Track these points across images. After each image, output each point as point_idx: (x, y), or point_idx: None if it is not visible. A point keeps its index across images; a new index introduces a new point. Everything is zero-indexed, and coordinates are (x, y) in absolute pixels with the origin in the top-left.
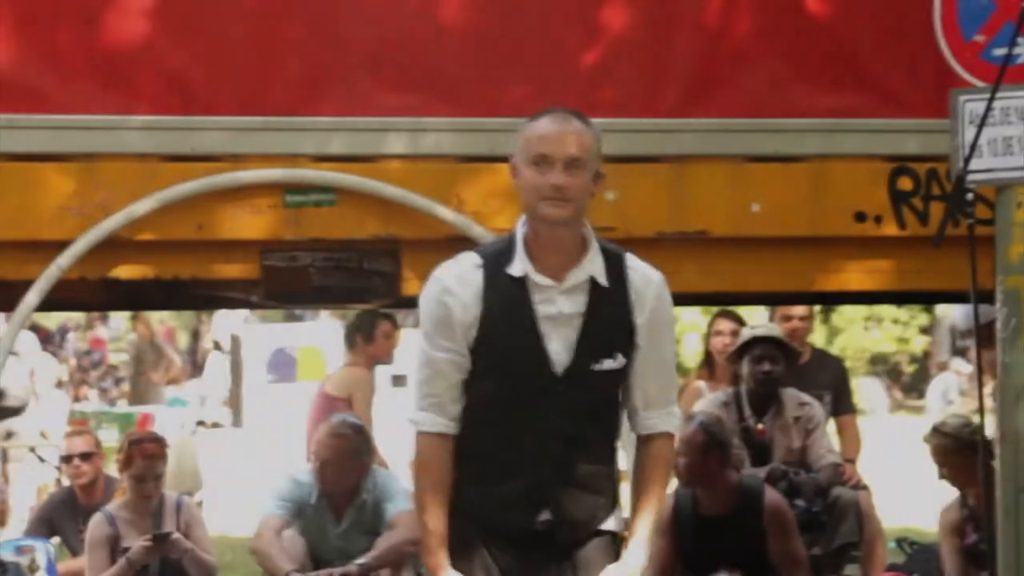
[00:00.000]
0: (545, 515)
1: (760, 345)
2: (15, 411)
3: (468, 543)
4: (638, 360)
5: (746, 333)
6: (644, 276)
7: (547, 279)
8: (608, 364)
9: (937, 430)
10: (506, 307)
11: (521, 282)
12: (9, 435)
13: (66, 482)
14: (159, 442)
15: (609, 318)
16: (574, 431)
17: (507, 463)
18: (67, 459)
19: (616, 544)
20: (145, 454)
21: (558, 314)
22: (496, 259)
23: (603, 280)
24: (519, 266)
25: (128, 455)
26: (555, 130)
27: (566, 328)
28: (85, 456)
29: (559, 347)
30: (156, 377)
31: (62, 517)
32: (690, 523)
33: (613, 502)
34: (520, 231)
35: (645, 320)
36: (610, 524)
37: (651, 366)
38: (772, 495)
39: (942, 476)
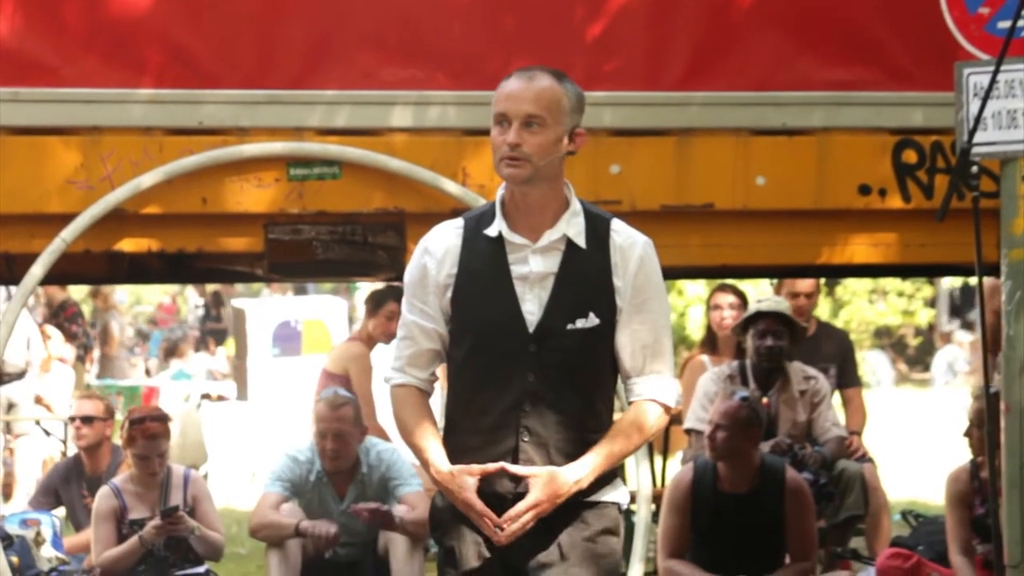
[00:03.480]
0: (523, 485)
1: (765, 319)
2: (15, 377)
3: (457, 515)
4: (622, 324)
5: (752, 307)
6: (628, 238)
7: (521, 238)
8: (581, 323)
9: (981, 396)
10: (481, 266)
11: (497, 242)
12: (11, 407)
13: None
14: (161, 419)
15: (585, 278)
16: (552, 394)
17: (486, 429)
18: (72, 419)
19: (622, 515)
20: (147, 433)
21: (530, 273)
22: (478, 221)
23: (580, 241)
24: (495, 226)
25: (130, 435)
26: (516, 88)
27: (538, 288)
28: (87, 419)
29: (532, 306)
30: (107, 350)
31: (67, 486)
32: (709, 500)
33: (610, 475)
34: (499, 192)
35: (628, 282)
36: (608, 494)
37: (636, 330)
38: (793, 475)
39: (967, 435)
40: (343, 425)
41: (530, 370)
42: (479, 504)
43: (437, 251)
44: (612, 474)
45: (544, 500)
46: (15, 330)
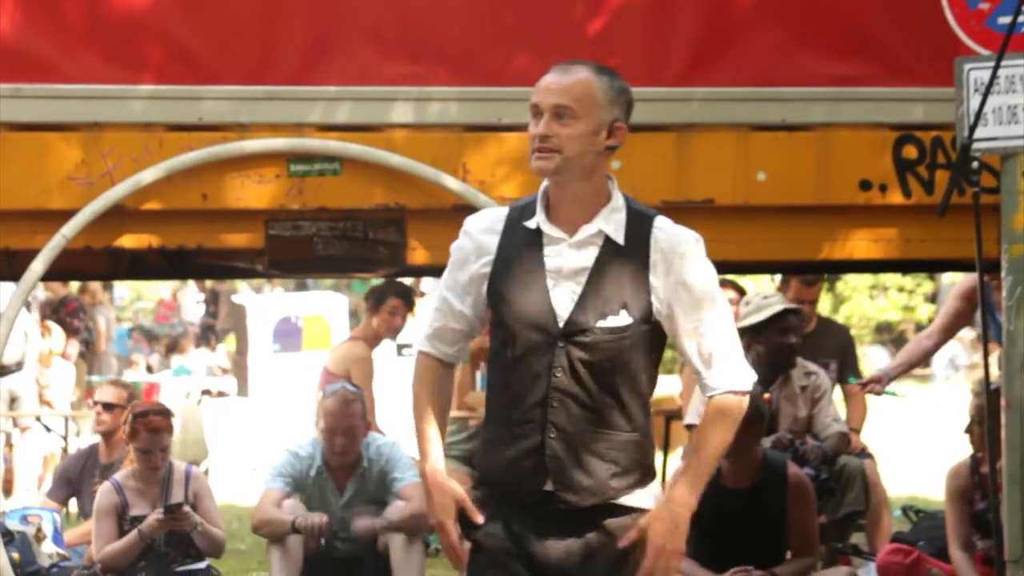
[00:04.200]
0: (548, 483)
1: (790, 316)
2: (12, 370)
3: (483, 507)
4: (679, 323)
5: (773, 305)
6: (672, 237)
7: (558, 231)
8: (613, 321)
9: (982, 392)
10: (516, 258)
11: (535, 233)
12: (13, 400)
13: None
14: (164, 414)
15: (620, 275)
16: (580, 391)
17: (514, 423)
18: (94, 403)
19: None
20: (150, 427)
21: (563, 267)
22: (521, 212)
23: (618, 237)
24: (534, 218)
25: (133, 428)
26: (549, 80)
27: (571, 282)
28: (108, 406)
29: (563, 301)
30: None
31: (82, 475)
32: (710, 495)
33: (642, 476)
34: (544, 184)
35: (670, 281)
36: (638, 499)
37: (697, 327)
38: (795, 470)
39: (968, 431)
40: (353, 420)
41: (559, 366)
42: (453, 536)
43: (478, 237)
44: (645, 475)
45: (662, 543)
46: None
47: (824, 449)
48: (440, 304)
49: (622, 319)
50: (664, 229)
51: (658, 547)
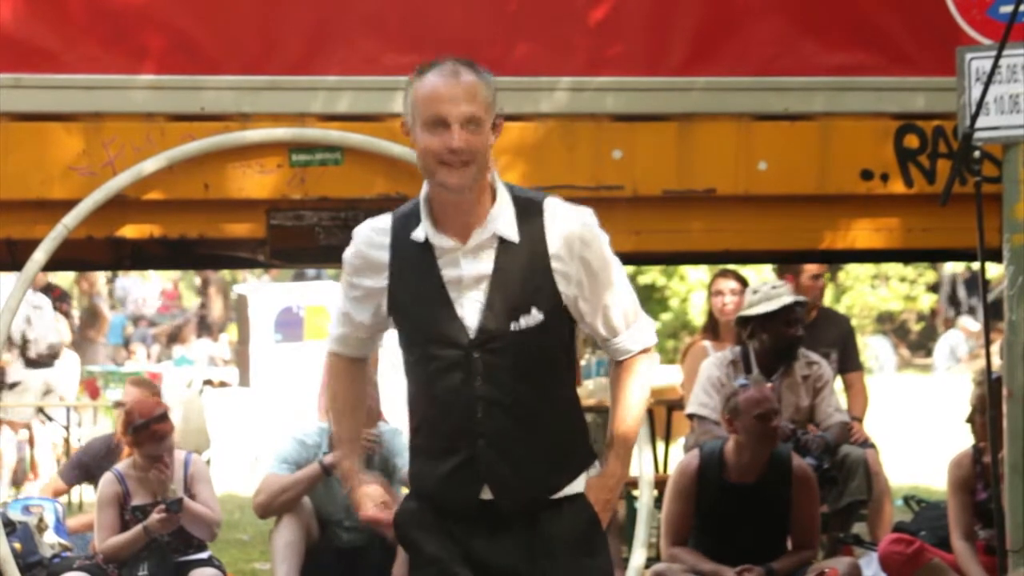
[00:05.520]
0: (486, 493)
1: (796, 308)
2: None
3: (423, 520)
4: (584, 301)
5: (782, 297)
6: (563, 221)
7: (450, 240)
8: (526, 321)
9: (983, 382)
10: (412, 274)
11: (425, 246)
12: (47, 392)
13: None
14: (163, 418)
15: (521, 273)
16: (505, 397)
17: (443, 436)
18: (119, 405)
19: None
20: (154, 437)
21: (462, 277)
22: (404, 223)
23: (512, 235)
24: (421, 230)
25: (136, 440)
26: (447, 88)
27: (473, 290)
28: None
29: (470, 311)
30: (93, 334)
31: (99, 464)
32: (715, 488)
33: (580, 465)
34: (424, 191)
35: (573, 267)
36: (574, 488)
37: (602, 300)
38: (799, 462)
39: (970, 420)
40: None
41: (477, 376)
42: (387, 516)
43: (368, 253)
44: (583, 462)
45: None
46: (40, 314)
47: (826, 439)
48: (341, 315)
49: (534, 317)
50: (556, 215)
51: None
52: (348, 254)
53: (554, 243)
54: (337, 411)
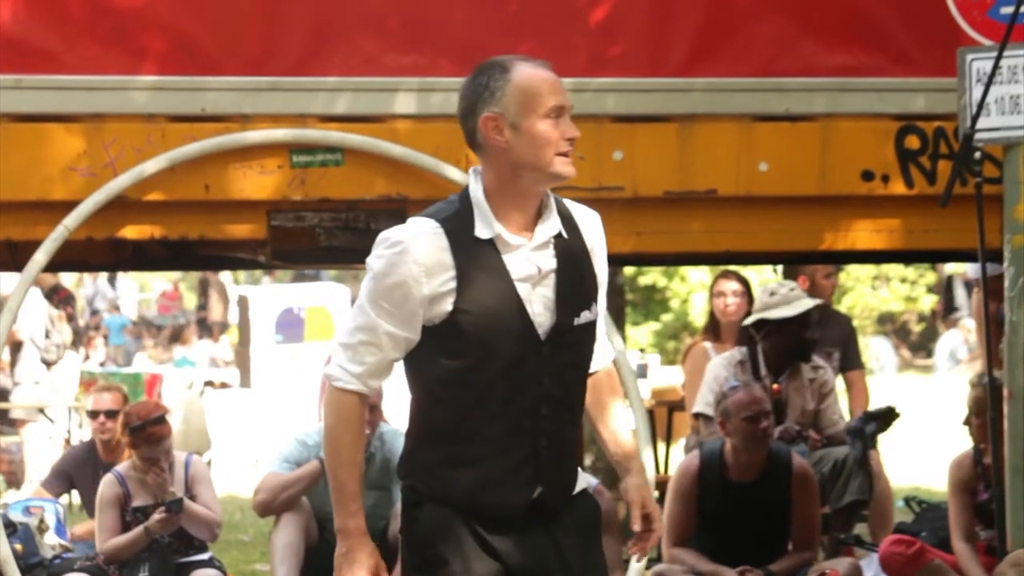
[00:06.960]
0: (539, 489)
1: (812, 312)
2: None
3: (453, 531)
4: (599, 299)
5: (802, 301)
6: (589, 219)
7: (517, 237)
8: (586, 316)
9: (978, 384)
10: (479, 273)
11: (490, 244)
12: (15, 384)
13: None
14: (160, 420)
15: (577, 269)
16: (564, 394)
17: (498, 439)
18: (94, 415)
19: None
20: (151, 439)
21: (533, 273)
22: (455, 222)
23: (564, 230)
24: (486, 227)
25: (133, 442)
26: (554, 78)
27: (542, 287)
28: (111, 414)
29: (539, 307)
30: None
31: (81, 471)
32: (715, 487)
33: (580, 459)
34: (477, 188)
35: (599, 262)
36: (581, 483)
37: (600, 300)
38: (799, 461)
39: (967, 423)
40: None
41: (545, 373)
42: None
43: (425, 258)
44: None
45: (655, 508)
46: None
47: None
48: (373, 339)
49: (592, 312)
50: (579, 210)
51: (657, 513)
52: (388, 266)
53: (589, 237)
54: (346, 463)
